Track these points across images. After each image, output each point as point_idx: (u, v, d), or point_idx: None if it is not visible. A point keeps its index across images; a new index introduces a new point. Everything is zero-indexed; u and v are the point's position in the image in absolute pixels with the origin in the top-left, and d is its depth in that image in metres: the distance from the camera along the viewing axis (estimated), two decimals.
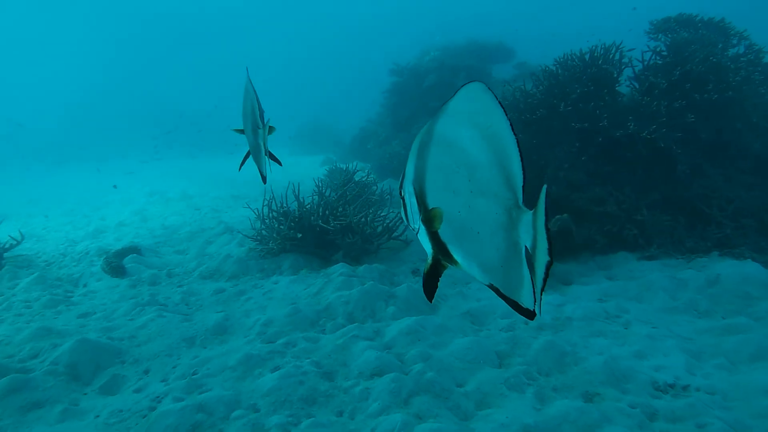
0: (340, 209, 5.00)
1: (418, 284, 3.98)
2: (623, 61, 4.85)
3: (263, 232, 5.05)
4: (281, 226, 4.95)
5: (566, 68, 4.93)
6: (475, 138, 1.03)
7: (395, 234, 5.05)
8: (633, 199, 4.38)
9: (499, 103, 1.01)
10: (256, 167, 2.60)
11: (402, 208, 1.21)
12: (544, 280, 0.99)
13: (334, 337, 3.03)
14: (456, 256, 1.10)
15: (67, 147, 22.08)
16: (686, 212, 4.30)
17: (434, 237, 1.11)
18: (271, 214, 5.12)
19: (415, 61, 12.14)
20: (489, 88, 1.02)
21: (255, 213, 5.24)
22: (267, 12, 48.30)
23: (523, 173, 1.01)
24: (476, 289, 3.92)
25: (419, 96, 11.50)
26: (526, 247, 1.02)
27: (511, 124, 1.01)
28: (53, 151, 21.24)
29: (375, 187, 6.21)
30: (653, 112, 4.31)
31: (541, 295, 0.99)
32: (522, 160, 1.00)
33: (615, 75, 4.83)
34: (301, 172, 13.56)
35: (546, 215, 0.97)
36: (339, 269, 4.29)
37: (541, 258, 0.99)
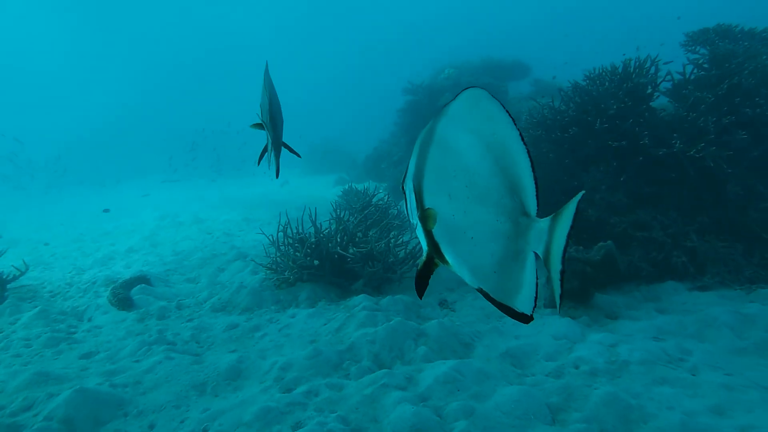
0: (360, 235, 4.70)
1: (449, 319, 3.64)
2: (659, 74, 4.56)
3: (278, 260, 4.75)
4: (297, 254, 4.66)
5: (599, 83, 4.63)
6: (475, 145, 1.02)
7: (419, 261, 4.72)
8: (680, 224, 4.02)
9: (507, 112, 1.00)
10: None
11: (404, 202, 1.20)
12: (561, 287, 0.98)
13: (361, 385, 2.69)
14: (447, 257, 1.10)
15: (83, 168, 22.12)
16: (741, 237, 3.92)
17: (429, 235, 1.11)
18: (286, 241, 4.83)
19: (430, 80, 11.95)
20: (493, 96, 1.01)
21: (269, 239, 4.95)
22: (280, 31, 48.98)
23: (535, 183, 0.99)
24: (512, 324, 3.57)
25: (434, 115, 11.26)
26: (536, 254, 1.01)
27: (521, 134, 0.99)
28: (69, 172, 21.21)
29: (395, 210, 5.90)
30: (700, 128, 3.98)
31: (561, 300, 0.97)
32: (533, 170, 0.99)
33: (650, 90, 4.52)
34: (314, 193, 13.36)
35: (572, 226, 0.96)
36: (360, 301, 3.97)
37: (556, 266, 0.98)
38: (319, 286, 4.54)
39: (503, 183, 1.00)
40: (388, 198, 6.32)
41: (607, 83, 4.53)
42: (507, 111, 1.00)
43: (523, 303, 1.01)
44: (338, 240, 4.60)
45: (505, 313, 1.02)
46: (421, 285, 1.17)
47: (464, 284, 4.86)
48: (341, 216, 5.11)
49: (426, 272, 1.16)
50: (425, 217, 1.09)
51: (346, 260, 4.54)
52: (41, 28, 42.96)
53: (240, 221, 8.86)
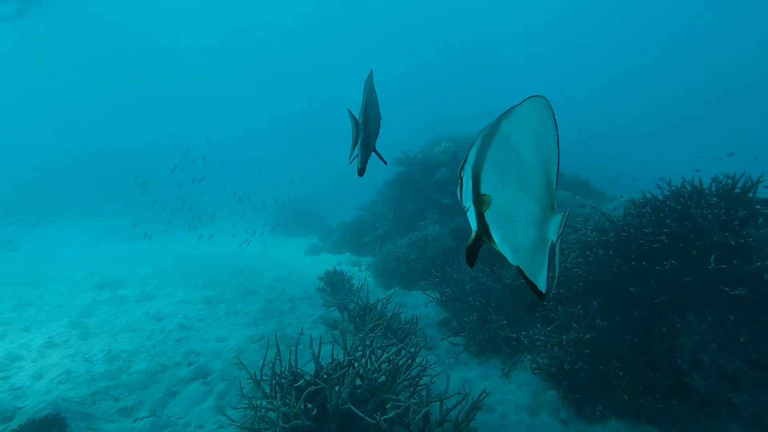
0: (382, 389, 3.34)
1: None
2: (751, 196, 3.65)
3: (262, 421, 3.29)
4: (288, 401, 3.25)
5: (699, 206, 3.64)
6: (530, 142, 1.21)
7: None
8: None
9: (555, 120, 1.19)
10: None
11: (458, 187, 1.37)
12: (556, 268, 1.25)
13: None
14: (495, 237, 1.30)
15: (20, 209, 19.26)
16: None
17: (480, 218, 1.30)
18: (274, 380, 3.42)
19: (425, 152, 11.03)
20: (550, 105, 1.18)
21: (250, 377, 3.51)
22: (254, 84, 48.40)
23: (556, 181, 1.22)
24: None
25: (428, 190, 10.27)
26: (552, 241, 1.25)
27: (558, 140, 1.20)
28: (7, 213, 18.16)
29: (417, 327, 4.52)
30: None
31: (555, 281, 1.26)
32: (558, 170, 1.22)
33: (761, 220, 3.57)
34: (285, 260, 11.82)
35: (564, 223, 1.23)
36: None
37: (559, 251, 1.26)
38: None
39: (542, 177, 1.21)
40: (416, 320, 4.90)
41: (712, 209, 3.54)
42: (555, 119, 1.18)
43: (542, 283, 1.23)
44: (351, 393, 3.22)
45: (531, 289, 1.24)
46: (472, 257, 1.35)
47: None
48: (348, 348, 3.74)
49: (475, 248, 1.34)
50: (480, 201, 1.27)
51: (359, 422, 3.15)
52: None
53: (199, 302, 7.25)
